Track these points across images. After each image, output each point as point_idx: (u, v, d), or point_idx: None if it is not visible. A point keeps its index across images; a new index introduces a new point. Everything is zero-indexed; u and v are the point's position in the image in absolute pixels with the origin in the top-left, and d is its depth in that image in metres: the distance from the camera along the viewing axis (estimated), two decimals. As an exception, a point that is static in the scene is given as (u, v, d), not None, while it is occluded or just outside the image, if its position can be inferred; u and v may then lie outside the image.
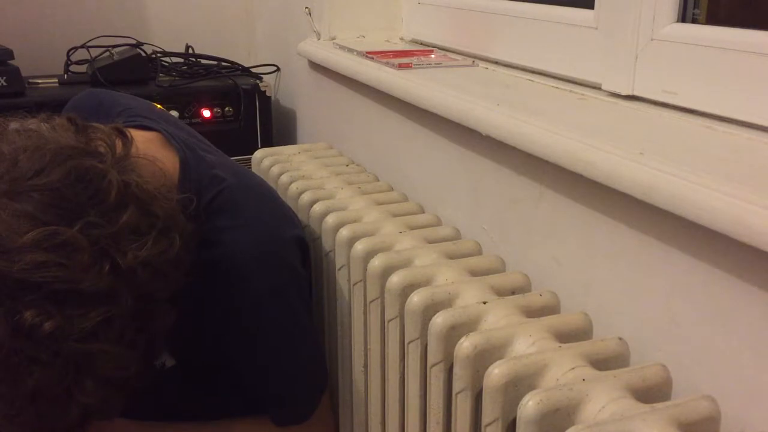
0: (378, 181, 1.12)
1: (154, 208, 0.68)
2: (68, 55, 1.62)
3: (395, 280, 0.77)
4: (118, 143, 0.71)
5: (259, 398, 0.89)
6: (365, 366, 0.88)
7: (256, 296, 0.81)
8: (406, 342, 0.75)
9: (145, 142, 0.78)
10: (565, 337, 0.67)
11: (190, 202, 0.74)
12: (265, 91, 1.62)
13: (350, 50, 1.24)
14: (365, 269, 0.83)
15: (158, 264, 0.66)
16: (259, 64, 1.75)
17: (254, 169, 1.23)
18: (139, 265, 0.64)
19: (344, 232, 0.89)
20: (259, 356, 0.85)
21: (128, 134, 0.73)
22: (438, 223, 0.96)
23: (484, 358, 0.64)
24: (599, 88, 0.86)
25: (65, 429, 0.66)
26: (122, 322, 0.63)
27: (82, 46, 1.63)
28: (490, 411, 0.61)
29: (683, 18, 0.78)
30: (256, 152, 1.24)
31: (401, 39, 1.37)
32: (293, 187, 1.06)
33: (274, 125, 1.66)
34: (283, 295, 0.84)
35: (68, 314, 0.60)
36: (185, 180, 0.80)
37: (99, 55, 1.60)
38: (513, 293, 0.76)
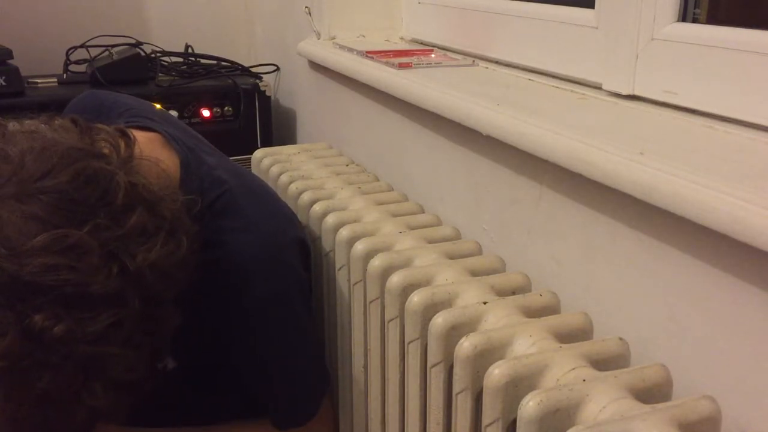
0: (378, 181, 1.12)
1: (161, 210, 0.67)
2: (67, 55, 1.62)
3: (395, 280, 0.77)
4: (122, 144, 0.71)
5: (261, 400, 0.88)
6: (365, 366, 0.88)
7: (258, 299, 0.81)
8: (406, 342, 0.75)
9: (146, 142, 0.78)
10: (566, 337, 0.67)
11: (195, 203, 0.74)
12: (264, 91, 1.62)
13: (350, 50, 1.24)
14: (365, 269, 0.83)
15: (166, 266, 0.66)
16: (258, 63, 1.75)
17: (254, 169, 1.23)
18: (147, 268, 0.64)
19: (344, 232, 0.89)
20: (260, 359, 0.85)
21: (131, 135, 0.73)
22: (438, 223, 0.96)
23: (484, 358, 0.64)
24: (600, 88, 0.86)
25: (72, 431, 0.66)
26: (130, 325, 0.63)
27: (81, 46, 1.63)
28: (490, 411, 0.61)
29: (684, 17, 0.78)
30: (255, 152, 1.24)
31: (401, 39, 1.37)
32: (293, 187, 1.05)
33: (273, 125, 1.66)
34: (286, 298, 0.84)
35: (78, 317, 0.60)
36: (187, 181, 0.80)
37: (98, 55, 1.60)
38: (513, 293, 0.76)
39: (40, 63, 1.66)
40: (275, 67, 1.73)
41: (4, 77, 1.42)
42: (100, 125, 0.72)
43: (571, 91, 0.89)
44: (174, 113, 1.52)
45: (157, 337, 0.68)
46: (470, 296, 0.74)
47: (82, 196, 0.62)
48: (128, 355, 0.64)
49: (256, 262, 0.80)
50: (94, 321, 0.60)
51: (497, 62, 1.08)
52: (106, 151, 0.68)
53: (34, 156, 0.62)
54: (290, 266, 0.84)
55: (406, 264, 0.81)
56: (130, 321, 0.63)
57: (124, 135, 0.72)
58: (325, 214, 0.94)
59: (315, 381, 0.91)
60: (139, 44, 1.64)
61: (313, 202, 0.99)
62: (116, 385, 0.64)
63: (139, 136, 0.77)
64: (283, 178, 1.10)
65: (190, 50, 1.79)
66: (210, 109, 1.59)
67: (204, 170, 0.83)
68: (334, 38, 1.37)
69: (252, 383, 0.87)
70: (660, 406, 0.55)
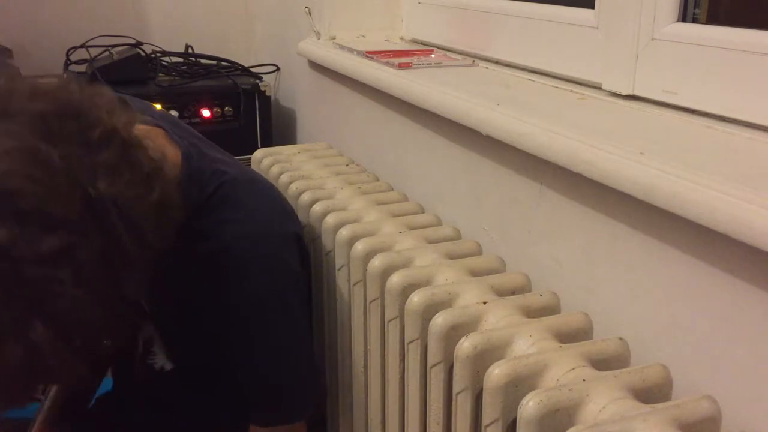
0: (378, 181, 1.12)
1: (137, 154, 0.67)
2: (68, 55, 1.62)
3: (395, 280, 0.77)
4: (121, 116, 0.70)
5: (253, 396, 0.88)
6: (365, 366, 0.88)
7: (253, 293, 0.81)
8: (406, 342, 0.75)
9: (149, 135, 0.78)
10: (566, 337, 0.67)
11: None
12: (265, 91, 1.62)
13: (350, 50, 1.24)
14: (365, 269, 0.83)
15: (132, 208, 0.64)
16: (259, 63, 1.75)
17: (254, 168, 1.23)
18: (109, 201, 0.62)
19: (344, 232, 0.89)
20: (254, 352, 0.85)
21: (131, 105, 0.74)
22: (438, 223, 0.96)
23: (484, 358, 0.64)
24: (599, 88, 0.86)
25: (9, 380, 0.61)
26: (83, 256, 0.60)
27: (81, 46, 1.63)
28: (490, 411, 0.61)
29: (684, 18, 0.78)
30: (256, 152, 1.24)
31: (401, 39, 1.37)
32: (293, 186, 1.05)
33: (274, 125, 1.66)
34: (281, 293, 0.84)
35: (29, 232, 0.57)
36: (188, 170, 0.80)
37: (98, 55, 1.60)
38: (513, 293, 0.76)
39: (40, 63, 1.66)
40: (275, 67, 1.73)
41: (4, 77, 1.42)
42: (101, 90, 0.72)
43: (571, 91, 0.89)
44: (174, 113, 1.52)
45: (114, 288, 0.64)
46: (470, 296, 0.74)
47: (62, 123, 0.63)
48: (77, 294, 0.60)
49: (251, 256, 0.80)
50: (45, 240, 0.58)
51: (497, 62, 1.08)
52: (103, 114, 0.68)
53: (24, 86, 0.64)
54: (285, 261, 0.84)
55: (406, 264, 0.81)
56: (84, 253, 0.60)
57: (125, 104, 0.73)
58: (325, 214, 0.95)
59: (308, 376, 0.91)
60: (139, 44, 1.64)
61: (313, 202, 0.99)
62: (62, 328, 0.60)
63: (142, 129, 0.76)
64: (284, 178, 1.10)
65: (190, 50, 1.79)
66: (210, 109, 1.59)
67: (205, 162, 0.83)
68: (334, 38, 1.37)
69: (244, 377, 0.87)
70: (660, 406, 0.56)
